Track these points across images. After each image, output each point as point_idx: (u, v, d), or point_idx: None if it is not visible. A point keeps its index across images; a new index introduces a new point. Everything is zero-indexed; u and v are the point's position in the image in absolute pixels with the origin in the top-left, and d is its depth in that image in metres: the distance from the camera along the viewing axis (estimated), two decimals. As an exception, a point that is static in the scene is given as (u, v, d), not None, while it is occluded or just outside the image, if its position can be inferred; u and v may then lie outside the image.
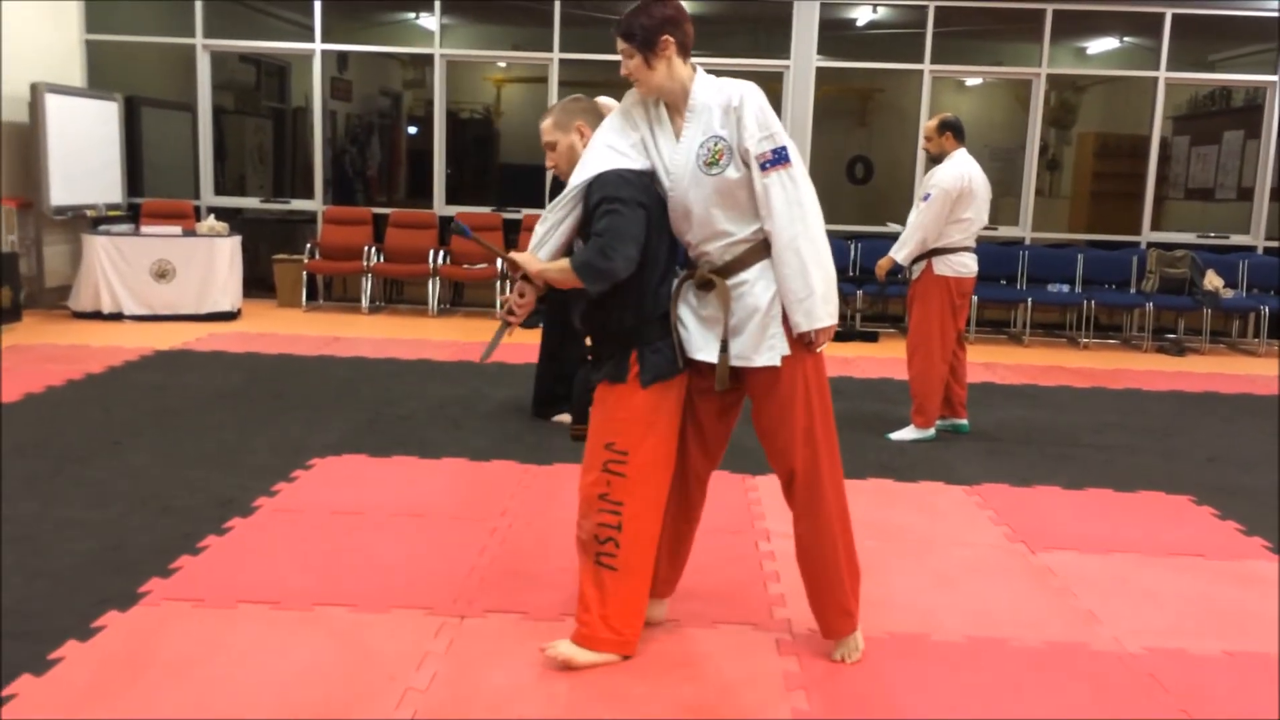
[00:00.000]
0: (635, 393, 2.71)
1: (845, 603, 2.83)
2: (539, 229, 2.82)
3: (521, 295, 2.81)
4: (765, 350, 2.69)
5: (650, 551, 2.79)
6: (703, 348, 2.74)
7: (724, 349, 2.70)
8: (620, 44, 2.69)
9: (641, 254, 2.67)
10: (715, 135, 2.64)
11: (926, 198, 5.17)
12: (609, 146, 2.76)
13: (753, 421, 2.83)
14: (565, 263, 2.70)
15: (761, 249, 2.68)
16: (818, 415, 2.74)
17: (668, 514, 2.87)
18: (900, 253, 5.24)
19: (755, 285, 2.69)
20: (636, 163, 2.74)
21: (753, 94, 2.64)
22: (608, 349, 2.78)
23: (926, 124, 5.42)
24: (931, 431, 5.28)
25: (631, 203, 2.65)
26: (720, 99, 2.65)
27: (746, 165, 2.63)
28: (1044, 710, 2.63)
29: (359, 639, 2.87)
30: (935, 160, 5.32)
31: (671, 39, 2.65)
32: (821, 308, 2.65)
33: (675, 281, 2.77)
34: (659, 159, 2.74)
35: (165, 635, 2.86)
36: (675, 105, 2.73)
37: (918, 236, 5.17)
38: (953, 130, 5.25)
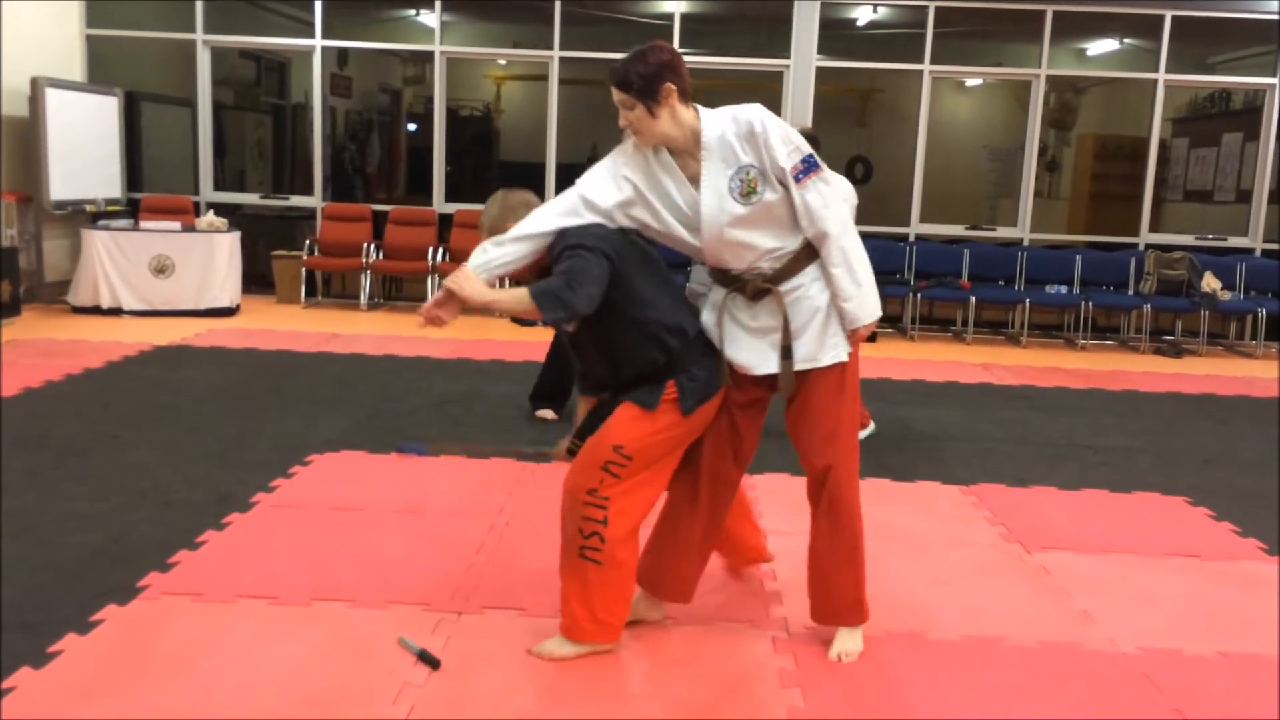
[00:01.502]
0: (667, 415, 2.72)
1: (858, 594, 2.87)
2: (493, 252, 2.73)
3: (439, 307, 2.74)
4: (830, 350, 2.74)
5: (633, 544, 2.79)
6: (761, 363, 2.76)
7: (785, 355, 2.73)
8: (617, 94, 2.64)
9: (634, 297, 2.68)
10: (744, 166, 2.63)
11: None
12: (585, 201, 2.73)
13: (788, 419, 2.84)
14: (521, 291, 2.62)
15: (809, 253, 2.71)
16: (848, 410, 2.80)
17: (695, 519, 2.89)
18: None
19: (810, 288, 2.72)
20: (616, 220, 2.73)
21: (769, 116, 2.66)
22: (637, 385, 2.76)
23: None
24: (871, 427, 5.27)
25: (596, 251, 2.63)
26: (736, 130, 2.63)
27: (782, 184, 2.64)
28: (1039, 709, 2.64)
29: (357, 634, 2.88)
30: None
31: (673, 86, 2.62)
32: (871, 301, 2.74)
33: (717, 298, 2.78)
34: (671, 206, 2.71)
35: (164, 629, 2.87)
36: (684, 149, 2.69)
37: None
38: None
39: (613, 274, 2.65)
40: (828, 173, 2.69)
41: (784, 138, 2.63)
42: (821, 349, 2.73)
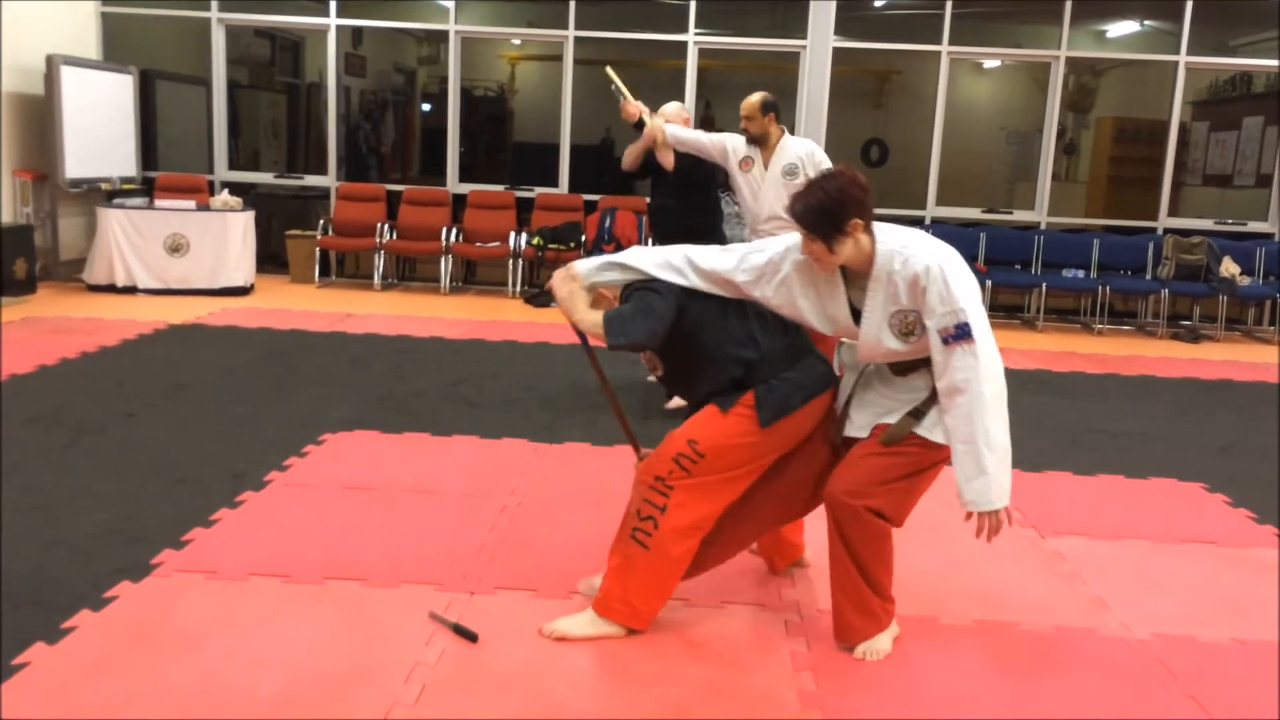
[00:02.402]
0: (743, 422, 2.72)
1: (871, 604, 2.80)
2: (606, 274, 2.82)
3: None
4: (942, 429, 2.66)
5: (688, 543, 2.77)
6: (885, 415, 2.73)
7: (915, 415, 2.68)
8: (800, 229, 2.61)
9: (706, 334, 2.75)
10: (904, 310, 2.58)
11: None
12: (690, 263, 2.75)
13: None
14: (599, 316, 2.74)
15: None
16: (903, 487, 2.72)
17: (749, 522, 2.92)
18: None
19: None
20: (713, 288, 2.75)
21: (937, 271, 2.53)
22: (721, 391, 2.79)
23: (748, 101, 4.99)
24: None
25: (668, 294, 2.73)
26: (906, 274, 2.55)
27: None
28: (1052, 695, 2.63)
29: (369, 613, 2.89)
30: (755, 141, 5.01)
31: (859, 220, 2.57)
32: (997, 486, 2.56)
33: (854, 361, 2.80)
34: (817, 311, 2.71)
35: (177, 606, 2.88)
36: (855, 270, 2.66)
37: None
38: (775, 112, 5.01)
39: (682, 309, 2.73)
40: (981, 345, 2.55)
41: (944, 297, 2.52)
42: (937, 428, 2.67)
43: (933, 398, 2.66)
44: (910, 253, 2.57)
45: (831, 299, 2.69)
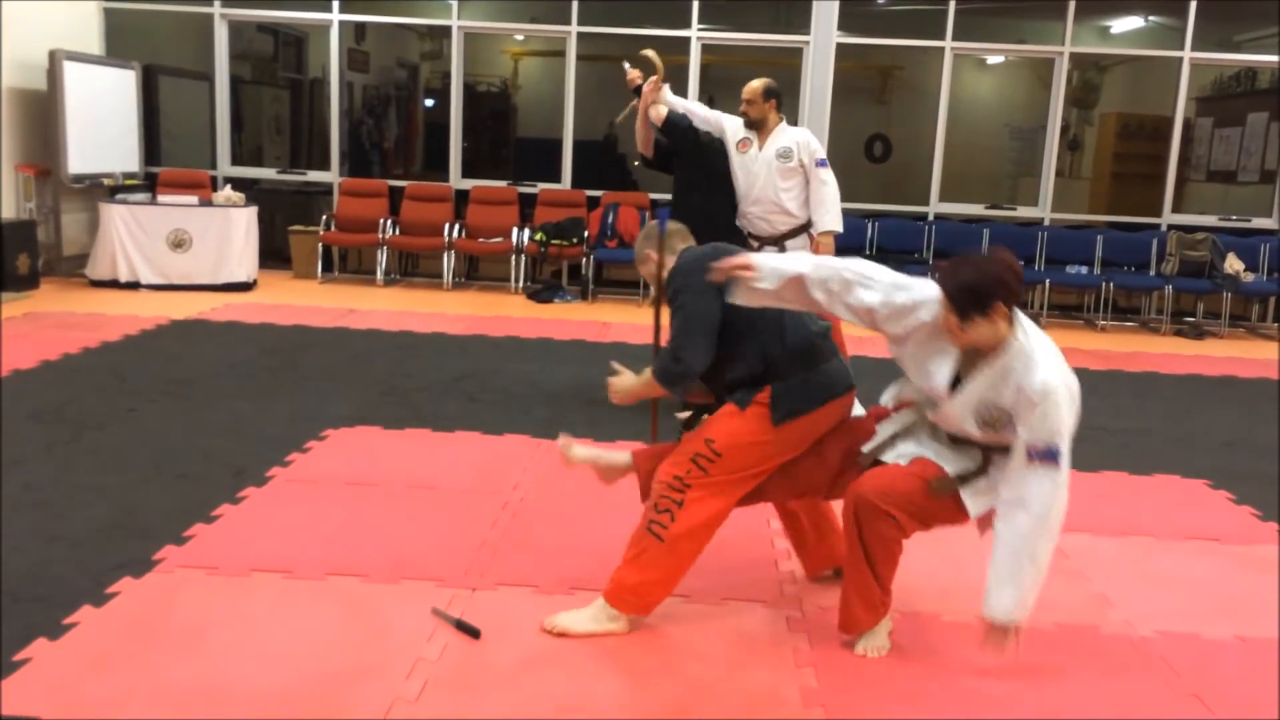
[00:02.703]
0: (758, 419, 2.74)
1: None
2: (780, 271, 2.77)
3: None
4: (980, 503, 2.66)
5: (696, 542, 2.80)
6: (932, 456, 2.72)
7: (962, 479, 2.67)
8: (940, 299, 2.56)
9: (731, 330, 2.76)
10: (999, 406, 2.55)
11: (823, 163, 4.94)
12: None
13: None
14: (648, 375, 2.83)
15: None
16: (922, 504, 2.69)
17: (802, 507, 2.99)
18: (838, 222, 5.00)
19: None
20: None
21: (1055, 395, 2.49)
22: (741, 384, 2.82)
23: (751, 85, 4.98)
24: None
25: (699, 291, 2.76)
26: (1024, 381, 2.49)
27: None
28: (1055, 692, 2.63)
29: (371, 609, 2.89)
30: (753, 126, 4.98)
31: (1004, 306, 2.50)
32: (1020, 604, 2.55)
33: (924, 406, 2.77)
34: (921, 370, 2.68)
35: (179, 602, 2.88)
36: (978, 347, 2.59)
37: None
38: (777, 99, 5.00)
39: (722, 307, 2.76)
40: (1062, 473, 2.55)
41: (1048, 417, 2.49)
42: (978, 499, 2.66)
43: (981, 470, 2.67)
44: (1038, 362, 2.51)
45: (942, 359, 2.64)
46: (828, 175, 4.94)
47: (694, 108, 5.23)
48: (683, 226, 3.07)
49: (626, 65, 5.21)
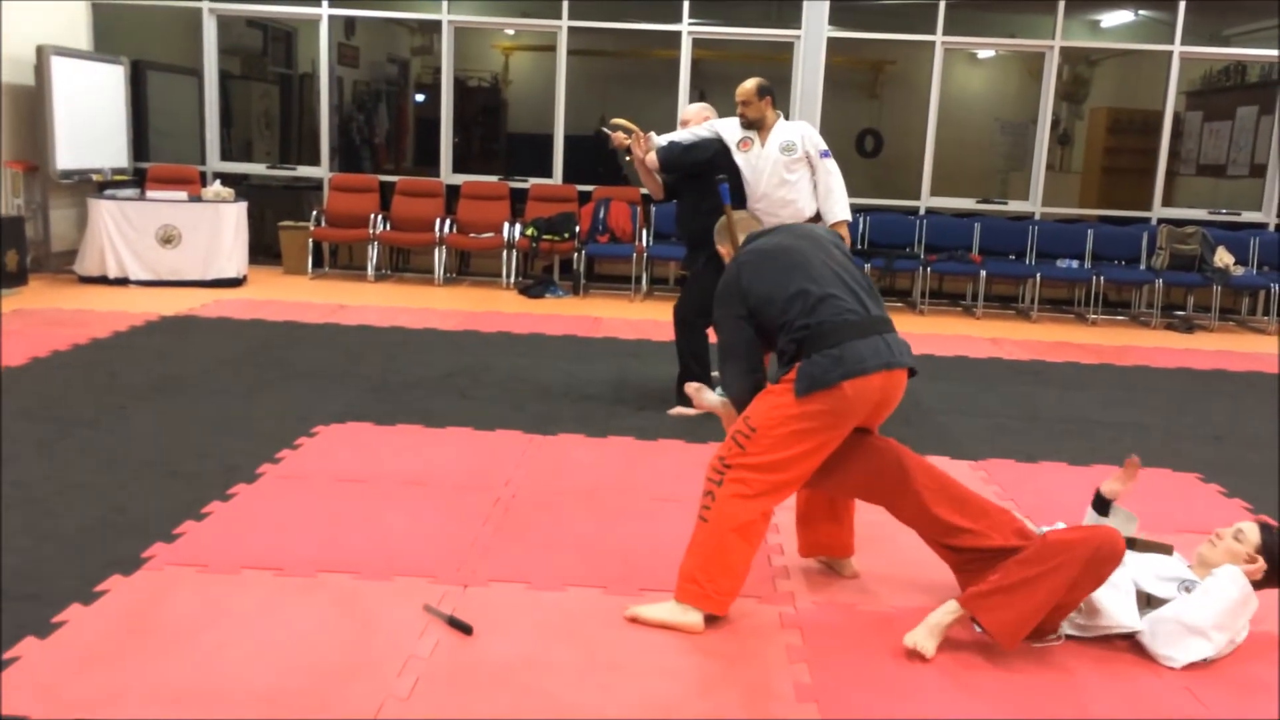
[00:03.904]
0: (785, 394, 2.79)
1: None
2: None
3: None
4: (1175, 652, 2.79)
5: (746, 519, 2.81)
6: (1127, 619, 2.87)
7: (1149, 602, 2.89)
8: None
9: (765, 314, 2.88)
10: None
11: (826, 154, 4.98)
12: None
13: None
14: (727, 401, 3.04)
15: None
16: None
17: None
18: (849, 211, 5.07)
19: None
20: None
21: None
22: (782, 358, 2.91)
23: (743, 86, 4.97)
24: None
25: (723, 319, 2.96)
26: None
27: None
28: (1045, 684, 2.63)
29: (362, 606, 2.88)
30: (751, 125, 4.99)
31: None
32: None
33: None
34: None
35: (169, 600, 2.87)
36: None
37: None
38: (771, 96, 5.01)
39: (748, 316, 2.90)
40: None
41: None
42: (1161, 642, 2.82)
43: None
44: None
45: None
46: (833, 166, 5.02)
47: (678, 138, 5.13)
48: (746, 213, 3.39)
49: (606, 130, 5.25)
